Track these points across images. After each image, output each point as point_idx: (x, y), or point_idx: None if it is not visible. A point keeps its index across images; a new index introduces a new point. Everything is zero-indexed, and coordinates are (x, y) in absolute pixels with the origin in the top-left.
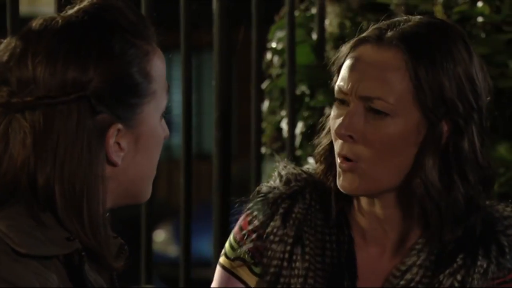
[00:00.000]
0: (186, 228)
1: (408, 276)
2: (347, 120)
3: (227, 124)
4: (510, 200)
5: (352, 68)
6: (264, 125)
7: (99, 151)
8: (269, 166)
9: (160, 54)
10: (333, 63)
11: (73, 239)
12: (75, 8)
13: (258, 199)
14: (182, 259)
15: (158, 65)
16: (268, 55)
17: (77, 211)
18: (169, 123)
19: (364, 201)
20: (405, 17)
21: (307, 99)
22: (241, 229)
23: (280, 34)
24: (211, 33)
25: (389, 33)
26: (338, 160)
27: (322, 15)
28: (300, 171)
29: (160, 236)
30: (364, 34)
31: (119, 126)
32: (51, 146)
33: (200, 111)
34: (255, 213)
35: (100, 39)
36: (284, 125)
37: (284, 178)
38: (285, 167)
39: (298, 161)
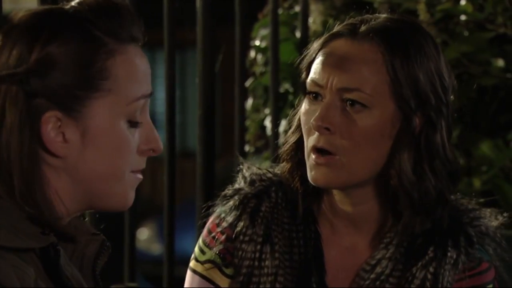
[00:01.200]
0: (169, 226)
1: (378, 269)
2: (324, 112)
3: (211, 122)
4: (492, 198)
5: (327, 62)
6: (247, 123)
7: (31, 136)
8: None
9: (132, 56)
10: (302, 59)
11: (48, 233)
12: (71, 3)
13: (225, 202)
14: (166, 257)
15: (124, 66)
16: (252, 53)
17: (8, 178)
18: (153, 121)
19: (335, 197)
20: (374, 15)
21: (290, 97)
22: (209, 232)
23: (264, 32)
24: (195, 31)
25: (363, 27)
26: (312, 156)
27: (305, 13)
28: (264, 171)
29: (144, 234)
30: (336, 30)
31: (58, 113)
32: None
33: (184, 109)
34: (222, 215)
35: (60, 25)
36: (267, 123)
37: (248, 179)
38: (248, 168)
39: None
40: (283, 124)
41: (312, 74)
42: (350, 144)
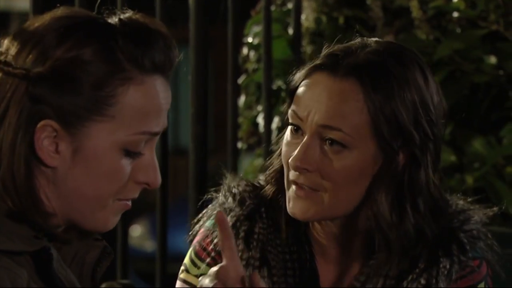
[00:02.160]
0: (162, 223)
1: (369, 285)
2: (302, 153)
3: (204, 119)
4: (484, 195)
5: (309, 96)
6: (240, 120)
7: (23, 139)
8: (245, 161)
9: (149, 89)
10: (287, 86)
11: (41, 238)
12: (112, 17)
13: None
14: (158, 254)
15: (136, 97)
16: (245, 50)
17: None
18: None
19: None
20: (360, 41)
21: (283, 94)
22: (204, 249)
23: (257, 29)
24: (187, 28)
25: (346, 62)
26: (293, 187)
27: (298, 10)
28: (252, 187)
29: (136, 231)
30: (319, 61)
31: (54, 124)
32: None
33: (177, 106)
34: (215, 233)
35: (85, 39)
36: (260, 120)
37: (238, 197)
38: (238, 185)
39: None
40: (275, 121)
41: (293, 106)
42: (330, 183)
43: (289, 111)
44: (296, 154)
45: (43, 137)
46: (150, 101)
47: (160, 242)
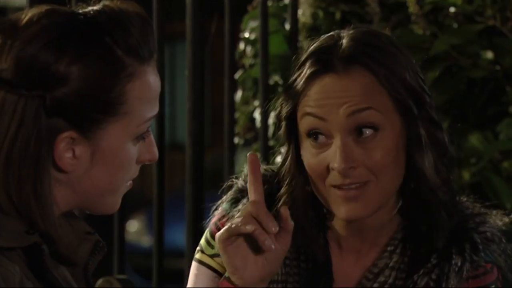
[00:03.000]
0: (159, 219)
1: (381, 278)
2: (343, 153)
3: (200, 115)
4: (482, 190)
5: (322, 97)
6: (237, 115)
7: (47, 152)
8: (242, 156)
9: (148, 78)
10: (286, 104)
11: (33, 233)
12: (87, 9)
13: (234, 205)
14: (155, 250)
15: (141, 89)
16: (241, 45)
17: (9, 184)
18: None
19: None
20: (328, 36)
21: (280, 89)
22: (218, 229)
23: (253, 24)
24: (184, 23)
25: (337, 56)
26: (337, 192)
27: (295, 5)
28: (270, 172)
29: (133, 226)
30: (311, 70)
31: (73, 134)
32: (2, 127)
33: (174, 101)
34: (230, 213)
35: (84, 43)
36: (257, 115)
37: None
38: None
39: (271, 150)
40: (272, 116)
41: (309, 110)
42: (376, 171)
43: (304, 122)
44: (338, 158)
45: (61, 147)
46: (151, 88)
47: (157, 237)
